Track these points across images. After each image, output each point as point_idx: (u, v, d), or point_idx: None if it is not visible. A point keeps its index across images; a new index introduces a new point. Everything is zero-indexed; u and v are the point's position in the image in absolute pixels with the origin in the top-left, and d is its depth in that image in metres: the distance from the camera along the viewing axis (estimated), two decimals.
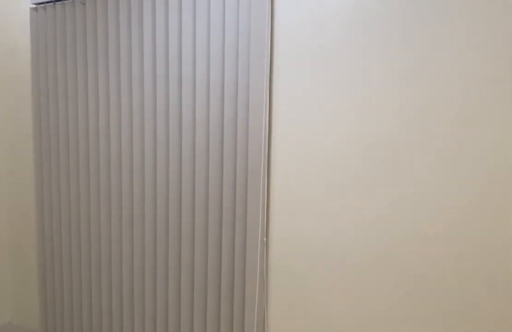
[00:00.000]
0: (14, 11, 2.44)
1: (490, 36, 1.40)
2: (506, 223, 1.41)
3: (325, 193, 1.70)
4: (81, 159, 2.21)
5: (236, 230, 1.82)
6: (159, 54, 1.93)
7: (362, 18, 1.58)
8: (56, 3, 2.20)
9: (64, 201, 2.30)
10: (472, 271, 1.48)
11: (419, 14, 1.49)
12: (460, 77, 1.44)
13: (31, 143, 2.47)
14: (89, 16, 2.10)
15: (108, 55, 2.07)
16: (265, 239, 1.81)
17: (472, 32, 1.42)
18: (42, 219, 2.41)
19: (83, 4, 2.12)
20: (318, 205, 1.72)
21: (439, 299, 1.53)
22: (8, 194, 2.61)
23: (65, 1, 2.16)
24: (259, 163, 1.75)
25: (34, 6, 2.31)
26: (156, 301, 2.09)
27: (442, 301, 1.53)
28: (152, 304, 2.09)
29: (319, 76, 1.67)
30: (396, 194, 1.57)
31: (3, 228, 2.61)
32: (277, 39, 1.74)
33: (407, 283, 1.58)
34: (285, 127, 1.76)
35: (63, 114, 2.25)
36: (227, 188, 1.82)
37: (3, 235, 2.62)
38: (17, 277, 2.66)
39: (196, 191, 1.89)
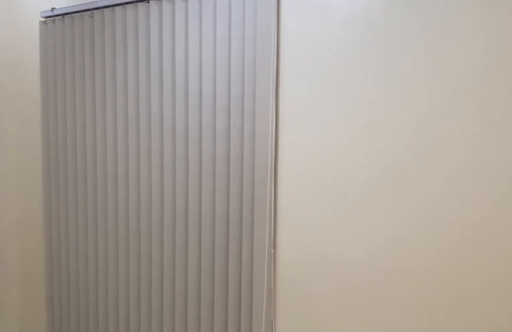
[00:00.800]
0: (24, 24, 2.47)
1: (499, 44, 1.36)
2: None
3: (334, 206, 1.67)
4: (89, 170, 2.21)
5: (243, 242, 1.80)
6: (165, 65, 1.93)
7: (371, 27, 1.55)
8: (65, 16, 2.22)
9: (72, 211, 2.30)
10: (490, 285, 1.42)
11: (428, 23, 1.46)
12: (469, 85, 1.41)
13: (40, 162, 2.49)
14: (97, 28, 2.12)
15: (116, 66, 2.08)
16: (272, 251, 1.78)
17: (482, 38, 1.38)
18: (49, 233, 2.41)
19: (91, 16, 2.14)
20: (326, 218, 1.68)
21: (454, 316, 1.48)
22: (16, 206, 2.63)
23: (73, 14, 2.19)
24: (266, 174, 1.73)
25: (44, 19, 2.34)
26: (162, 314, 2.07)
27: (457, 318, 1.48)
28: (159, 317, 2.07)
29: (327, 86, 1.65)
30: (407, 209, 1.53)
31: (10, 233, 2.63)
32: (283, 49, 1.73)
33: (419, 300, 1.53)
34: (292, 137, 1.73)
35: (71, 126, 2.26)
36: (233, 199, 1.80)
37: (10, 241, 2.64)
38: (24, 291, 2.66)
39: (203, 201, 1.87)
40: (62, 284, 2.39)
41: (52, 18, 2.28)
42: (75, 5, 2.17)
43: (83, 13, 2.16)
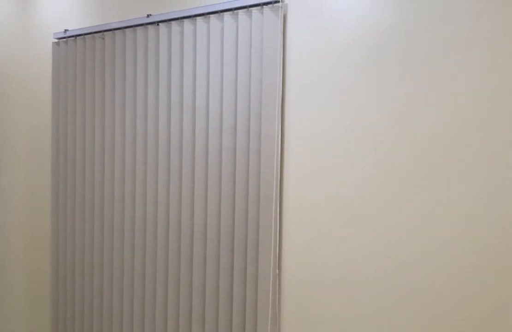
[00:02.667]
0: (38, 44, 2.55)
1: (499, 65, 1.37)
2: None
3: (339, 225, 1.66)
4: (97, 188, 2.24)
5: (248, 261, 1.79)
6: (174, 85, 1.96)
7: (376, 48, 1.57)
8: (77, 37, 2.29)
9: (78, 230, 2.32)
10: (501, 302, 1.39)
11: (434, 42, 1.47)
12: (478, 101, 1.41)
13: (49, 180, 2.53)
14: (107, 49, 2.17)
15: (125, 87, 2.13)
16: (277, 271, 1.76)
17: (485, 52, 1.39)
18: (56, 241, 2.43)
19: (103, 38, 2.20)
20: (332, 237, 1.67)
21: (456, 324, 1.45)
22: (24, 223, 2.65)
23: (86, 36, 2.25)
24: (271, 193, 1.73)
25: (57, 40, 2.41)
26: None
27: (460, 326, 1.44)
28: None
29: (332, 107, 1.66)
30: (414, 228, 1.52)
31: (17, 242, 2.65)
32: (289, 70, 1.75)
33: (428, 318, 1.50)
34: (297, 156, 1.74)
35: (80, 144, 2.30)
36: (239, 217, 1.80)
37: (18, 247, 2.65)
38: (30, 307, 2.67)
39: (208, 220, 1.88)
40: (68, 301, 2.39)
41: (65, 39, 2.35)
42: (87, 27, 2.23)
43: (95, 34, 2.22)
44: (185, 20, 1.92)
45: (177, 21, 1.95)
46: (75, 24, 2.39)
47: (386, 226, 1.57)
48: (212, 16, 1.84)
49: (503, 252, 1.38)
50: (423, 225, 1.50)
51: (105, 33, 2.18)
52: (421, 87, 1.50)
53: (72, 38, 2.32)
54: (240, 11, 1.78)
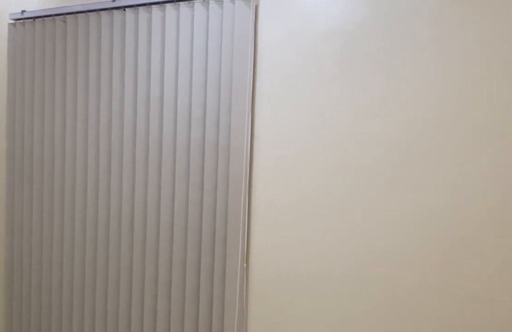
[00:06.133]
0: None
1: (468, 63, 1.42)
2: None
3: (308, 222, 1.66)
4: (56, 179, 2.12)
5: (215, 256, 1.76)
6: (140, 74, 1.89)
7: (347, 44, 1.58)
8: (36, 19, 2.15)
9: (36, 222, 2.19)
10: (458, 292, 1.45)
11: (403, 39, 1.51)
12: (449, 97, 1.45)
13: (4, 169, 2.37)
14: (69, 33, 2.05)
15: (89, 73, 2.02)
16: (245, 265, 1.75)
17: (458, 50, 1.44)
18: (11, 235, 2.28)
19: (64, 21, 2.08)
20: (301, 231, 1.68)
21: (422, 322, 1.50)
22: None
23: (45, 18, 2.12)
24: (240, 187, 1.71)
25: (13, 21, 2.25)
26: (130, 330, 1.98)
27: (425, 324, 1.49)
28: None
29: (304, 101, 1.66)
30: (378, 218, 1.55)
31: None
32: (260, 63, 1.73)
33: (389, 307, 1.54)
34: (267, 150, 1.73)
35: (38, 132, 2.17)
36: (207, 212, 1.77)
37: None
38: None
39: (175, 215, 1.83)
40: (24, 299, 2.26)
41: (22, 21, 2.20)
42: (47, 9, 2.10)
43: (55, 17, 2.10)
44: (154, 6, 1.85)
45: (145, 7, 1.88)
46: (34, 5, 2.24)
47: (357, 218, 1.59)
48: (182, 3, 1.79)
49: (463, 251, 1.44)
50: (391, 224, 1.54)
51: (67, 16, 2.06)
52: (393, 84, 1.53)
53: (30, 19, 2.17)
54: (211, 0, 1.73)
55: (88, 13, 2.01)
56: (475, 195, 1.42)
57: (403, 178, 1.51)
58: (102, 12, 1.97)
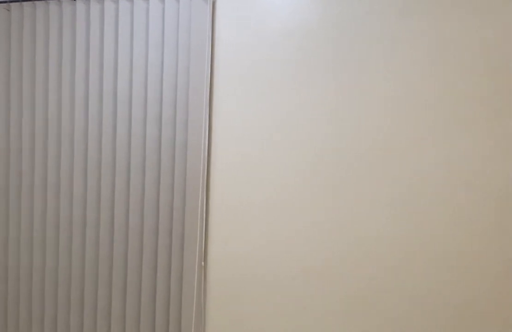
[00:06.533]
0: None
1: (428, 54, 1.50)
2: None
3: (265, 221, 1.68)
4: (12, 175, 1.99)
5: (172, 255, 1.73)
6: (92, 68, 1.81)
7: (303, 43, 1.61)
8: None
9: None
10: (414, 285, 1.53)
11: (358, 38, 1.55)
12: (400, 94, 1.52)
13: None
14: (14, 22, 1.93)
15: (35, 66, 1.91)
16: (203, 264, 1.73)
17: (409, 49, 1.51)
18: None
19: (8, 10, 1.95)
20: (258, 232, 1.69)
21: (379, 317, 1.56)
22: None
23: None
24: (198, 185, 1.69)
25: None
26: None
27: (382, 318, 1.56)
28: None
29: (260, 98, 1.67)
30: (336, 218, 1.59)
31: None
32: (217, 59, 1.72)
33: (346, 304, 1.59)
34: (226, 147, 1.72)
35: None
36: (163, 210, 1.74)
37: None
38: None
39: (130, 213, 1.78)
40: None
41: None
42: None
43: None
44: None
45: None
46: None
47: (312, 223, 1.62)
48: None
49: (425, 250, 1.52)
50: (348, 223, 1.58)
51: (11, 4, 1.93)
52: (349, 85, 1.57)
53: None
54: None
55: (35, 2, 1.90)
56: (416, 195, 1.50)
57: (360, 177, 1.56)
58: (50, 1, 1.87)
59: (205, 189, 1.71)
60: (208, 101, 1.70)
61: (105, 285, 1.84)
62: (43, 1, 1.89)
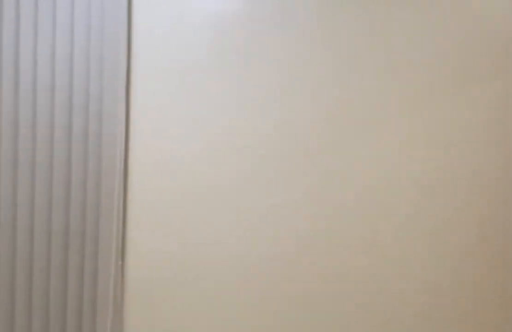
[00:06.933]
0: None
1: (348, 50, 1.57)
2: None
3: (188, 213, 1.64)
4: None
5: (85, 256, 1.61)
6: None
7: (223, 35, 1.60)
8: None
9: None
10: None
11: (280, 28, 1.58)
12: (324, 90, 1.58)
13: None
14: None
15: None
16: (120, 263, 1.64)
17: (334, 44, 1.57)
18: None
19: None
20: (180, 225, 1.64)
21: (315, 318, 1.60)
22: None
23: None
24: (114, 180, 1.59)
25: None
26: None
27: (315, 319, 1.60)
28: None
29: (181, 89, 1.63)
30: (259, 215, 1.60)
31: None
32: (136, 48, 1.64)
33: (279, 300, 1.61)
34: (145, 140, 1.65)
35: None
36: (75, 208, 1.61)
37: None
38: None
39: (36, 212, 1.61)
40: None
41: None
42: None
43: None
44: None
45: None
46: None
47: (235, 221, 1.61)
48: None
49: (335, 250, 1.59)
50: (274, 220, 1.60)
51: None
52: (275, 73, 1.59)
53: None
54: None
55: None
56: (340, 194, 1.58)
57: (284, 171, 1.59)
58: None
59: (122, 184, 1.62)
60: (125, 91, 1.61)
61: (6, 293, 1.65)
62: None
